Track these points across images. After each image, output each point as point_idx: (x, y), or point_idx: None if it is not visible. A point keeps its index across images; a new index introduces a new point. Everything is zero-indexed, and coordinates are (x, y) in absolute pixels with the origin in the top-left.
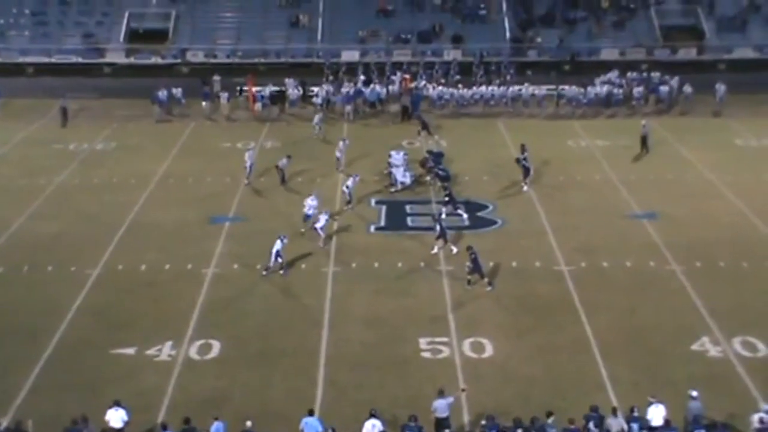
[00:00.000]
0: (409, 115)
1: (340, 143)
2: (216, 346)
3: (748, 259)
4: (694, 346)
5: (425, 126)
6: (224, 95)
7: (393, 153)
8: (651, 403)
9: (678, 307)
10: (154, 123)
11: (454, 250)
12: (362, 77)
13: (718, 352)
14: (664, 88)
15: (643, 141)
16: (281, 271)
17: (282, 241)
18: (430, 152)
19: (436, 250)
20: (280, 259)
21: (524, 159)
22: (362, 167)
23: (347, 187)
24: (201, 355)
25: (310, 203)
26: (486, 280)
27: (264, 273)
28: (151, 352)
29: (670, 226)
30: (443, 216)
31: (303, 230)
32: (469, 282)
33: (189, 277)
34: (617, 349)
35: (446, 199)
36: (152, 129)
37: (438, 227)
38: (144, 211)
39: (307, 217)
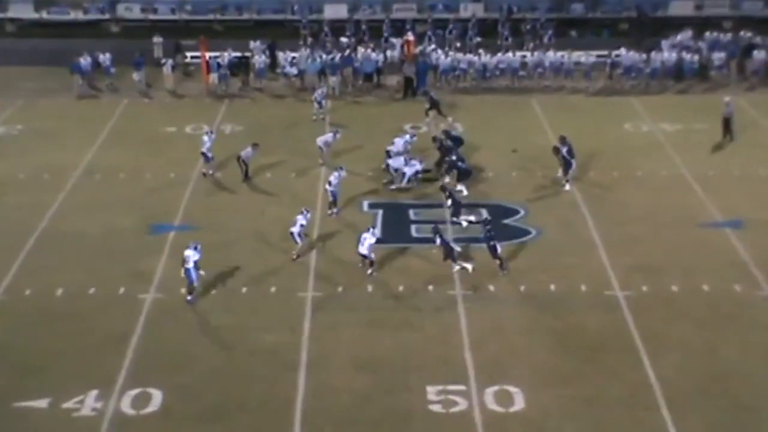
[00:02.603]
0: (413, 89)
1: (329, 135)
2: (156, 396)
3: None
4: None
5: (434, 104)
6: (168, 63)
7: (396, 140)
8: None
9: None
10: (74, 99)
11: (469, 267)
12: (351, 40)
13: None
14: (759, 54)
15: (726, 124)
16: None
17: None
18: (447, 133)
19: (457, 268)
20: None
21: (568, 152)
22: (352, 159)
23: (330, 184)
24: (136, 409)
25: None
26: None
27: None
28: (69, 405)
29: (763, 238)
30: (463, 224)
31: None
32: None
33: (121, 304)
34: (690, 400)
35: (449, 202)
36: (72, 107)
37: (438, 241)
38: (61, 217)
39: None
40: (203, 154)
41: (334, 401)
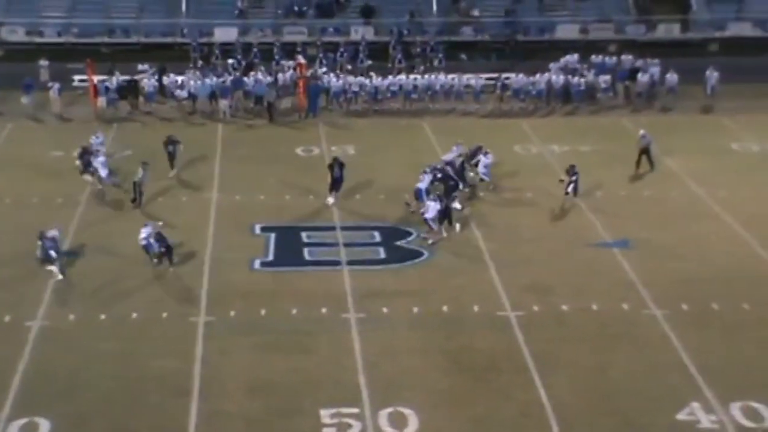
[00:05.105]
0: (271, 114)
1: (453, 148)
2: (44, 426)
3: (749, 300)
4: (681, 415)
5: (171, 156)
6: (55, 87)
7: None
8: None
9: (660, 364)
10: None
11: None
12: (243, 63)
13: (712, 422)
14: (642, 77)
15: (646, 154)
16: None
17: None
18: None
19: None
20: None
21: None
22: (244, 182)
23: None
24: None
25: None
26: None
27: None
28: None
29: (649, 258)
30: None
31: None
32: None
33: (6, 332)
34: (581, 419)
35: None
36: None
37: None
38: None
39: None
40: None
41: (228, 427)
